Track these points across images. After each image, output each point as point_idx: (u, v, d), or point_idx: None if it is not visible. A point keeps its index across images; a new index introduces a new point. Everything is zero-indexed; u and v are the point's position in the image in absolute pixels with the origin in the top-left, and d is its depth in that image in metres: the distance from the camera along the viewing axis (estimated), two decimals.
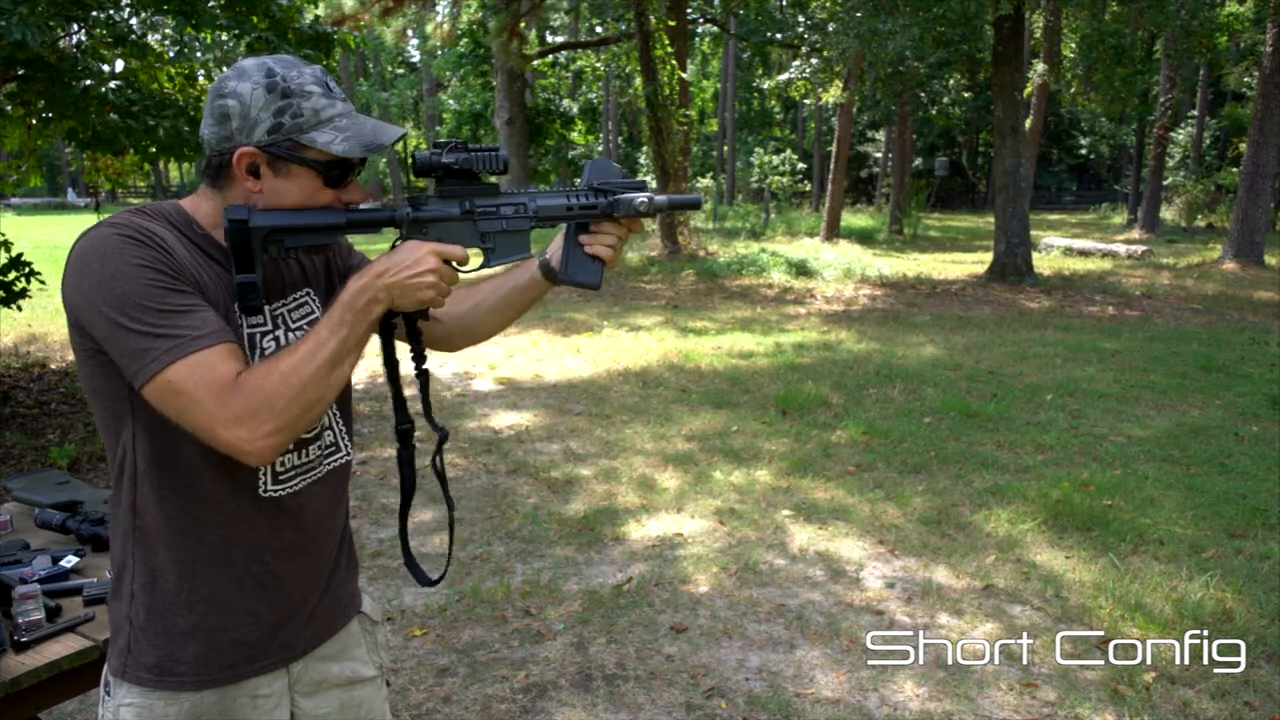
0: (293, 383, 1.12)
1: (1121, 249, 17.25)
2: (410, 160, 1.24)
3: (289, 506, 1.30)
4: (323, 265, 1.42)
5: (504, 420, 6.08)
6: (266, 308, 1.28)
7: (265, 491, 1.27)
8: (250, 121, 1.19)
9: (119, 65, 6.74)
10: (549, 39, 31.75)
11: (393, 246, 1.24)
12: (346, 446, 1.43)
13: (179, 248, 1.17)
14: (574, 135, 32.59)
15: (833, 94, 18.13)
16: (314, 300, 1.38)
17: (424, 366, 1.42)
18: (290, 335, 1.31)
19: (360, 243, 1.56)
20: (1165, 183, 24.13)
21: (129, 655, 1.26)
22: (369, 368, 6.90)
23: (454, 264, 1.27)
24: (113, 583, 1.29)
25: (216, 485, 1.23)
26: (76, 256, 1.13)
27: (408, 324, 1.38)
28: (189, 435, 1.16)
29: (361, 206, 1.27)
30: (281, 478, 1.29)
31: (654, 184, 19.30)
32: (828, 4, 15.19)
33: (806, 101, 28.34)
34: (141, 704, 1.26)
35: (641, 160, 33.64)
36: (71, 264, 1.14)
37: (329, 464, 1.38)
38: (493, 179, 1.32)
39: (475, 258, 1.33)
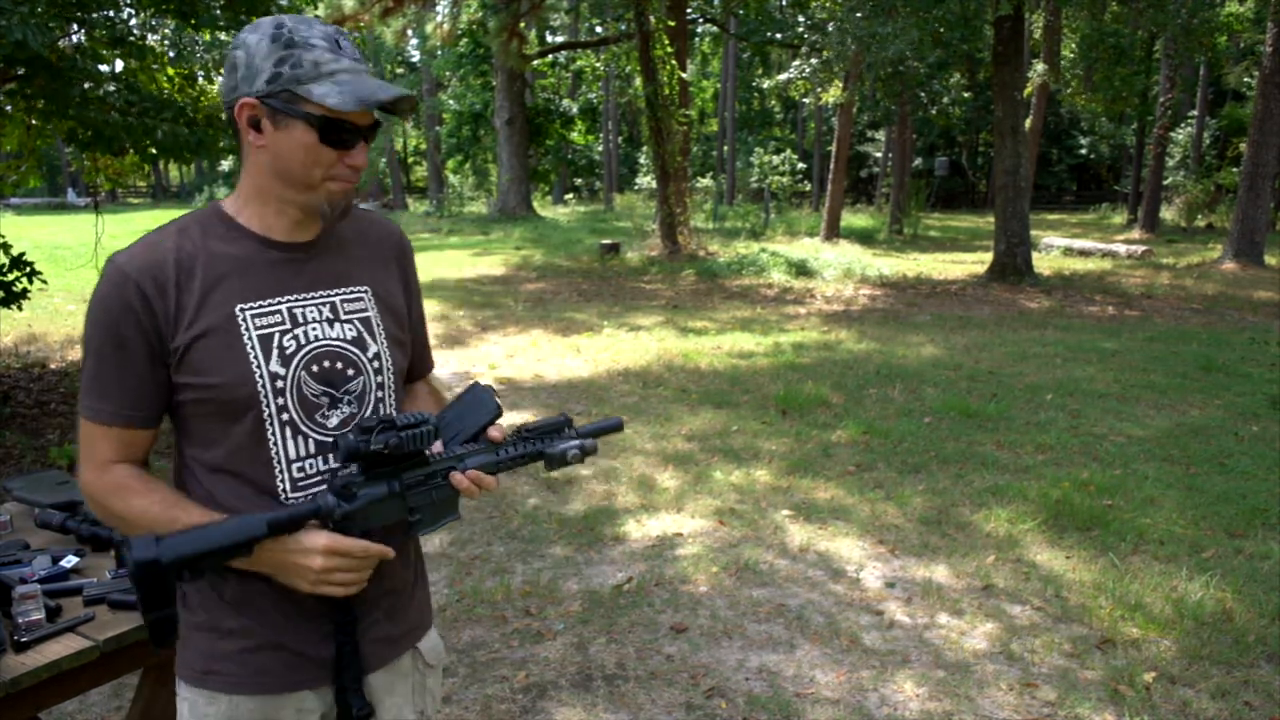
0: (130, 521, 1.21)
1: (1121, 249, 17.25)
2: (334, 447, 1.22)
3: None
4: (388, 264, 1.40)
5: (504, 420, 6.06)
6: (281, 305, 1.26)
7: (285, 498, 1.25)
8: (253, 71, 1.18)
9: (119, 66, 6.75)
10: (549, 39, 31.75)
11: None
12: None
13: (187, 250, 1.22)
14: (574, 135, 32.60)
15: (832, 94, 18.13)
16: (369, 298, 1.35)
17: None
18: (337, 327, 1.28)
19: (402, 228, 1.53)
20: (1165, 183, 24.12)
21: (183, 651, 1.30)
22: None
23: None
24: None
25: (236, 487, 1.24)
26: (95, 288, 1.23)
27: None
28: (210, 440, 1.24)
29: (285, 512, 1.17)
30: (300, 484, 1.26)
31: (654, 184, 19.28)
32: (828, 4, 15.20)
33: (806, 101, 28.33)
34: (190, 699, 1.29)
35: (641, 160, 33.67)
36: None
37: None
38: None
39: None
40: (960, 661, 3.07)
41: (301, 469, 1.25)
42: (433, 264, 15.76)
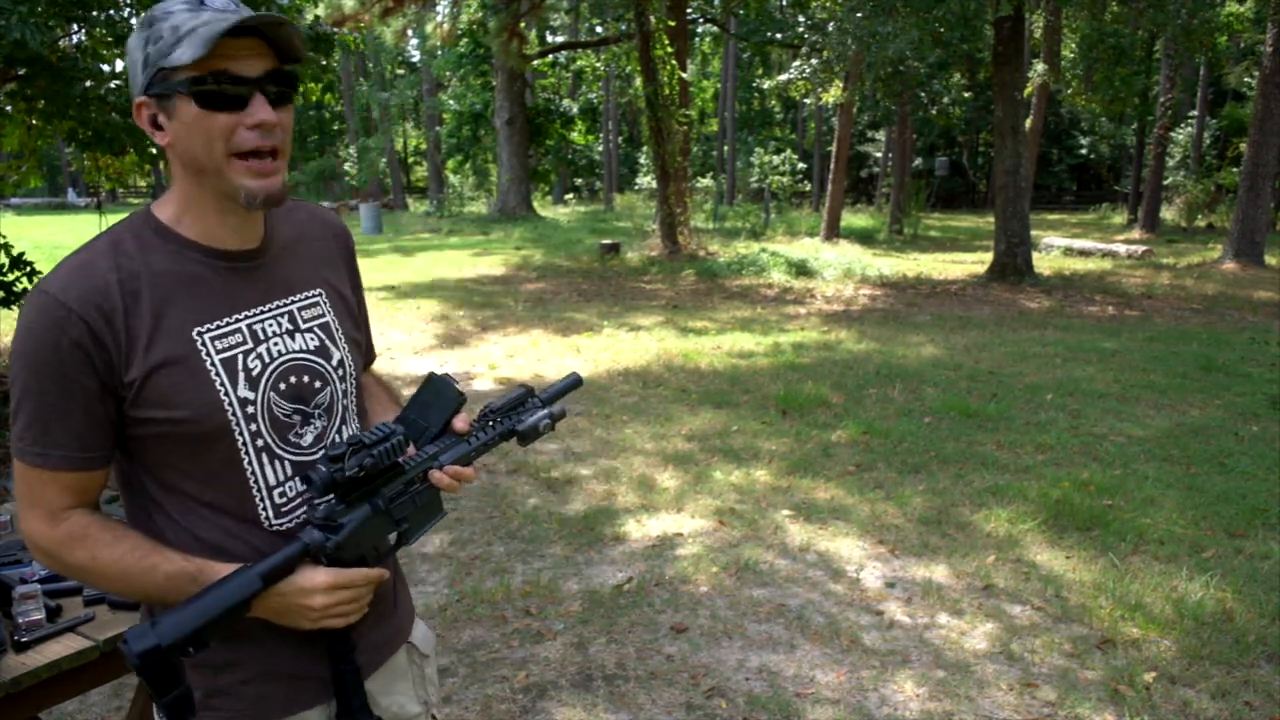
0: (88, 577, 1.14)
1: (1121, 249, 17.25)
2: (305, 481, 1.14)
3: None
4: (334, 260, 1.33)
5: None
6: (241, 321, 1.17)
7: (270, 526, 1.18)
8: (135, 70, 1.09)
9: (119, 65, 6.74)
10: (549, 39, 31.76)
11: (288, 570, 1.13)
12: None
13: (125, 275, 1.09)
14: (574, 135, 32.60)
15: (833, 94, 18.13)
16: (325, 301, 1.27)
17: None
18: (298, 339, 1.21)
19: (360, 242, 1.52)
20: (1165, 183, 24.11)
21: None
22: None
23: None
24: None
25: (216, 519, 1.17)
26: (20, 316, 1.11)
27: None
28: (180, 472, 1.15)
29: (275, 559, 1.10)
30: (283, 510, 1.20)
31: (654, 184, 19.28)
32: (828, 4, 15.20)
33: (806, 101, 28.35)
34: None
35: (641, 160, 33.67)
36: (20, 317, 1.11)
37: None
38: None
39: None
40: (960, 661, 3.07)
41: (283, 494, 1.19)
42: (433, 264, 15.76)
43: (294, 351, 1.21)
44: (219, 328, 1.15)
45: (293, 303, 1.23)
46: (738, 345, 8.50)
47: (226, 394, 1.13)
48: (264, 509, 1.18)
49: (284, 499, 1.19)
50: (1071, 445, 5.40)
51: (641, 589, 3.61)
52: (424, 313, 10.55)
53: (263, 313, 1.19)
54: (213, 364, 1.13)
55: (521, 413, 1.36)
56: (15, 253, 6.35)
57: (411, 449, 1.23)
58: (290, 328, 1.21)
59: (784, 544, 4.05)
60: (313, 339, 1.23)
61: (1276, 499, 4.49)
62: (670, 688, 2.92)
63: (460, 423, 1.30)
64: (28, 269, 6.28)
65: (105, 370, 1.08)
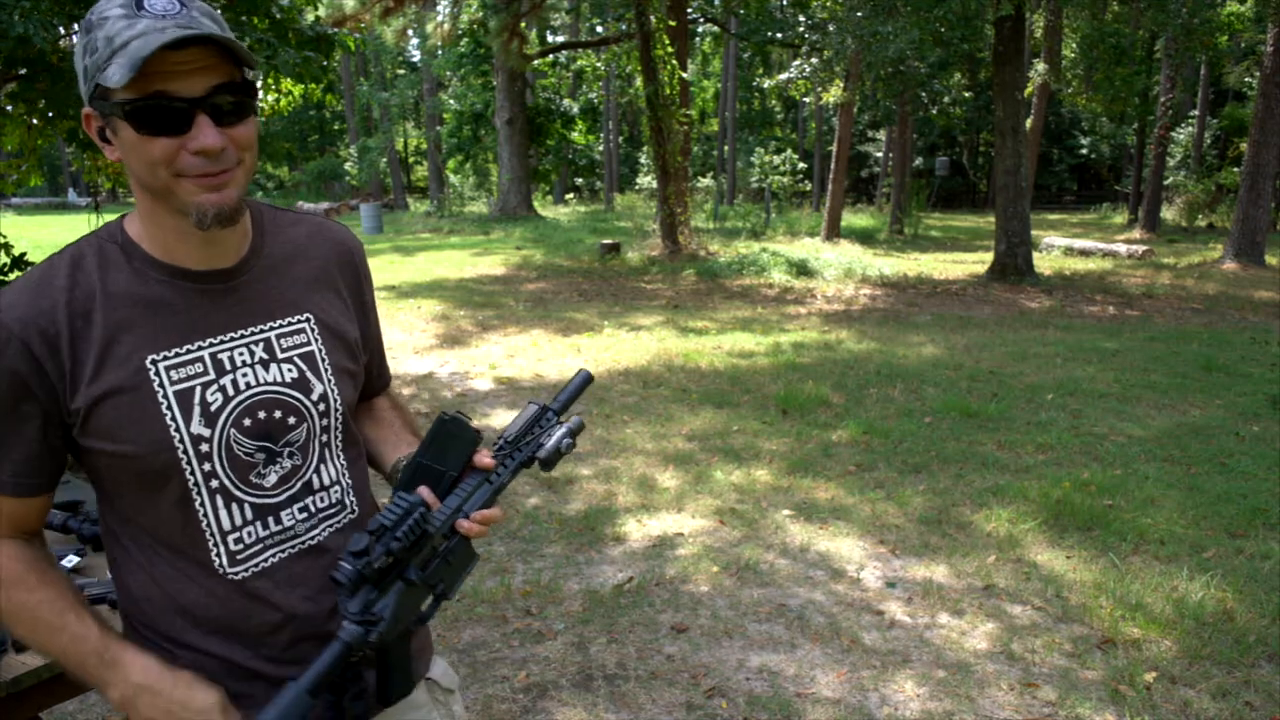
0: (8, 616, 1.05)
1: (1122, 249, 17.24)
2: (334, 580, 1.04)
3: (261, 588, 1.10)
4: (332, 281, 1.21)
5: (504, 420, 6.08)
6: (203, 350, 1.07)
7: (225, 574, 1.08)
8: (80, 80, 0.99)
9: None
10: (549, 39, 31.75)
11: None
12: (353, 504, 1.21)
13: (77, 296, 1.01)
14: (574, 135, 32.59)
15: (833, 94, 18.13)
16: (313, 330, 1.15)
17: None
18: (272, 369, 1.10)
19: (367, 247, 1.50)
20: (1166, 182, 24.10)
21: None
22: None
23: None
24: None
25: (172, 560, 1.08)
26: None
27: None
28: (135, 507, 1.08)
29: (318, 670, 1.01)
30: (240, 557, 1.09)
31: (654, 184, 19.28)
32: (828, 4, 15.20)
33: (806, 101, 28.35)
34: None
35: (642, 160, 33.67)
36: None
37: (326, 528, 1.16)
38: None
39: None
40: (960, 661, 3.07)
41: (239, 540, 1.09)
42: (433, 264, 15.77)
43: (265, 384, 1.10)
44: (176, 356, 1.05)
45: (272, 329, 1.12)
46: (738, 345, 8.50)
47: (178, 429, 1.04)
48: (217, 555, 1.08)
49: (240, 545, 1.09)
50: (1072, 445, 5.40)
51: (642, 589, 3.61)
52: (424, 312, 10.55)
53: (231, 340, 1.09)
54: (165, 396, 1.03)
55: (539, 435, 1.27)
56: (16, 253, 6.35)
57: (431, 497, 1.12)
58: (265, 357, 1.10)
59: (784, 544, 4.05)
60: (290, 370, 1.12)
61: (1276, 499, 4.49)
62: (670, 688, 2.92)
63: (483, 458, 1.18)
64: (28, 269, 6.28)
65: (48, 397, 1.01)
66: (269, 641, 1.12)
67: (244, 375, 1.08)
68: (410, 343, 8.76)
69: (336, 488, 1.18)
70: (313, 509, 1.15)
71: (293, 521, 1.13)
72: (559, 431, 1.26)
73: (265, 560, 1.11)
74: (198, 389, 1.05)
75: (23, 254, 6.39)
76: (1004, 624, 3.32)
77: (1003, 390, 6.73)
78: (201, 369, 1.06)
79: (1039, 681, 2.95)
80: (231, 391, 1.07)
